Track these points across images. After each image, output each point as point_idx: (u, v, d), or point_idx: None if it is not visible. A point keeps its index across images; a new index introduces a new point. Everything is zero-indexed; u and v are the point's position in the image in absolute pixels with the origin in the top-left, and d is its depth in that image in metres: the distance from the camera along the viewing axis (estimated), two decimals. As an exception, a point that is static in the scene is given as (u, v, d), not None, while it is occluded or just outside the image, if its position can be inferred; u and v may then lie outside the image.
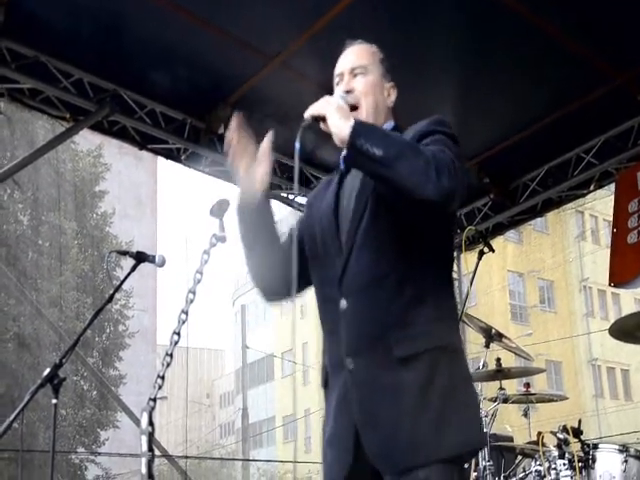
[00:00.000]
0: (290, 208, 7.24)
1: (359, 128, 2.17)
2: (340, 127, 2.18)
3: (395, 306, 2.26)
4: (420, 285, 2.29)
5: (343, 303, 2.32)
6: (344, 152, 2.37)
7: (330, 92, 2.52)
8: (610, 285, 6.45)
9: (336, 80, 2.54)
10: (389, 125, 2.51)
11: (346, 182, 2.48)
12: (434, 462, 2.16)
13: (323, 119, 2.25)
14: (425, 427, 2.17)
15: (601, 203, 28.20)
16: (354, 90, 2.46)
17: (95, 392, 22.55)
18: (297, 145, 2.30)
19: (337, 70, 2.54)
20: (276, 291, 2.60)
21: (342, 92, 2.45)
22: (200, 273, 2.22)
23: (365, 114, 2.43)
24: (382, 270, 2.29)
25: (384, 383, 2.22)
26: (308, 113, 2.29)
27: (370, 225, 2.32)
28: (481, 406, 4.56)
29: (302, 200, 6.99)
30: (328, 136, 2.26)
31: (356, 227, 2.34)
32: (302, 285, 2.50)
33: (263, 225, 2.54)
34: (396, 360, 2.22)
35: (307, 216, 2.62)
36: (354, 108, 2.43)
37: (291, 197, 7.01)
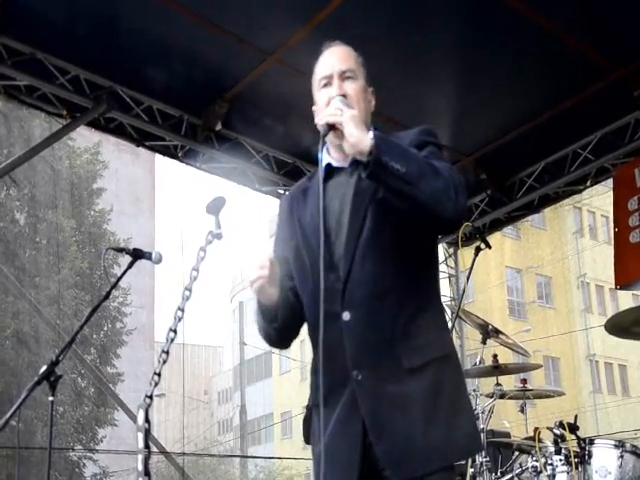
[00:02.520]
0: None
1: (381, 142, 2.14)
2: (359, 138, 2.14)
3: (400, 317, 2.27)
4: (420, 296, 2.34)
5: (346, 315, 2.28)
6: (346, 163, 2.37)
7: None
8: (616, 288, 6.40)
9: (322, 82, 2.44)
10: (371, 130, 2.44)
11: (330, 191, 2.39)
12: (444, 469, 2.23)
13: (335, 127, 2.21)
14: (437, 434, 2.20)
15: (599, 199, 28.22)
16: (348, 95, 2.38)
17: (93, 389, 22.53)
18: (320, 156, 2.27)
19: (323, 71, 2.45)
20: (290, 339, 2.61)
21: (339, 97, 2.36)
22: (196, 270, 2.22)
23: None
24: (385, 283, 2.29)
25: (394, 393, 2.23)
26: (323, 120, 2.23)
27: (371, 236, 2.29)
28: (477, 404, 4.58)
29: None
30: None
31: (356, 238, 2.30)
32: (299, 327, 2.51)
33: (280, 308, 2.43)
34: (405, 371, 2.24)
35: (288, 228, 2.51)
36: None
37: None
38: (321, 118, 2.25)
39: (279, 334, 2.50)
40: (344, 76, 2.42)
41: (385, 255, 2.29)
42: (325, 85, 2.43)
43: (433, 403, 2.23)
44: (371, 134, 2.14)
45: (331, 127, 2.22)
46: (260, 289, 2.32)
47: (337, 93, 2.38)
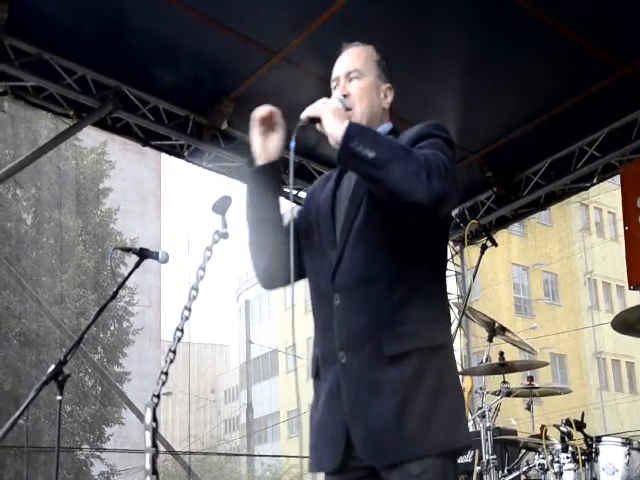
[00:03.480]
0: (291, 203, 7.23)
1: (352, 130, 2.21)
2: (334, 128, 2.23)
3: (386, 304, 2.29)
4: (411, 285, 2.32)
5: (336, 297, 2.35)
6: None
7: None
8: (630, 288, 6.33)
9: (333, 84, 2.55)
10: (386, 127, 2.53)
11: (344, 179, 2.51)
12: (426, 456, 2.19)
13: (319, 120, 2.29)
14: (411, 423, 2.19)
15: (606, 196, 28.16)
16: (350, 94, 2.47)
17: (100, 388, 22.59)
18: (292, 144, 2.33)
19: (334, 74, 2.55)
20: (274, 278, 2.62)
21: (339, 96, 2.47)
22: (202, 270, 2.23)
23: (359, 117, 2.45)
24: (374, 269, 2.32)
25: (373, 379, 2.26)
26: (304, 114, 2.32)
27: (363, 223, 2.35)
28: (483, 402, 4.58)
29: (303, 195, 7.00)
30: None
31: (350, 224, 2.37)
32: (299, 275, 2.53)
33: (269, 200, 2.58)
34: (386, 358, 2.25)
35: (305, 208, 2.66)
36: (348, 110, 2.45)
37: (294, 192, 7.01)
38: (305, 112, 2.33)
39: (261, 254, 2.56)
40: (349, 77, 2.51)
41: (375, 242, 2.34)
42: (335, 87, 2.54)
43: (411, 392, 2.22)
44: (346, 123, 2.22)
45: (314, 120, 2.31)
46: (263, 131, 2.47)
47: (341, 94, 2.48)
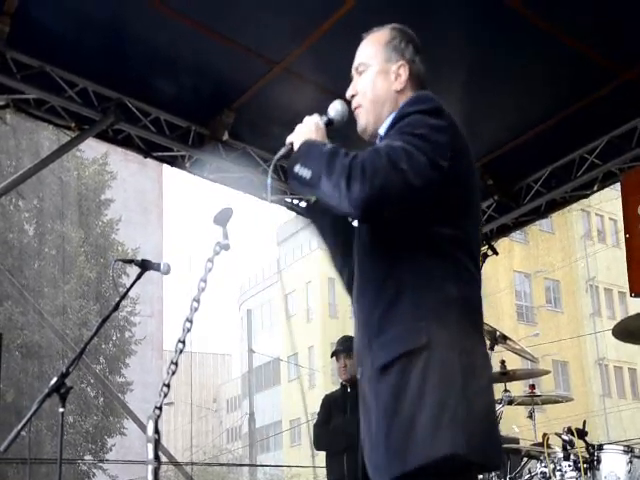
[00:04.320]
0: (294, 213, 7.28)
1: (300, 151, 2.25)
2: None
3: (375, 313, 2.25)
4: (398, 287, 2.21)
5: (353, 311, 2.40)
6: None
7: (335, 95, 2.58)
8: (631, 295, 6.28)
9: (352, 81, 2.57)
10: (406, 101, 2.42)
11: None
12: (405, 474, 2.07)
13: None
14: (396, 437, 2.10)
15: (607, 203, 28.16)
16: (356, 92, 2.49)
17: (102, 399, 22.58)
18: (268, 181, 2.54)
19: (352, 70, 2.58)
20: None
21: (348, 98, 2.50)
22: (204, 281, 2.24)
23: (366, 112, 2.46)
24: (365, 278, 2.32)
25: (371, 394, 2.22)
26: (287, 140, 2.38)
27: (360, 232, 2.37)
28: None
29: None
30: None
31: (358, 236, 2.39)
32: None
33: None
34: (376, 370, 2.19)
35: None
36: (357, 109, 2.49)
37: (295, 202, 7.04)
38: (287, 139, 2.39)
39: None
40: (358, 71, 2.53)
41: (365, 250, 2.34)
42: None
43: (395, 403, 2.11)
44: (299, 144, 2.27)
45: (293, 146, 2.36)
46: None
47: (349, 94, 2.50)
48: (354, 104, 2.49)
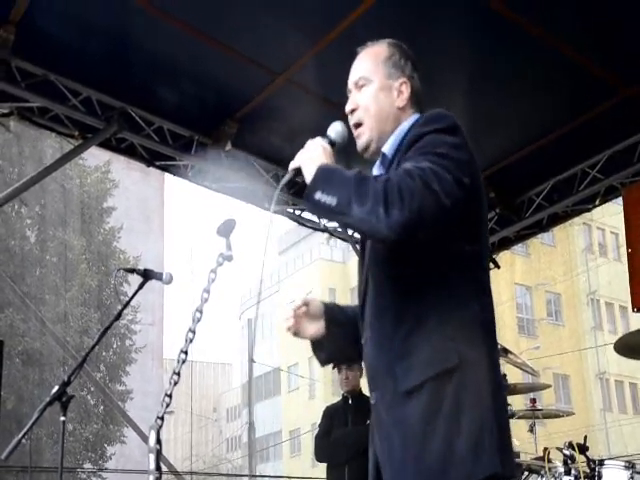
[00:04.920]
0: (295, 224, 7.29)
1: (317, 178, 2.16)
2: (309, 178, 2.20)
3: (397, 336, 2.20)
4: (421, 308, 2.19)
5: (363, 338, 2.35)
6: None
7: (337, 106, 2.53)
8: (634, 311, 6.25)
9: (348, 95, 2.49)
10: (405, 125, 2.40)
11: None
12: None
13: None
14: (431, 460, 2.07)
15: (609, 217, 28.14)
16: (357, 107, 2.42)
17: (102, 407, 22.54)
18: (272, 209, 2.38)
19: (348, 84, 2.49)
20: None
21: (348, 112, 2.44)
22: (207, 292, 2.24)
23: (369, 129, 2.39)
24: (384, 303, 2.26)
25: (394, 418, 2.17)
26: (290, 166, 2.30)
27: (372, 259, 2.32)
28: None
29: (309, 215, 7.03)
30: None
31: (367, 262, 2.35)
32: None
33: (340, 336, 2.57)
34: (401, 394, 2.15)
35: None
36: (358, 125, 2.42)
37: (297, 213, 7.05)
38: (290, 164, 2.30)
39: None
40: (358, 85, 2.46)
41: (381, 276, 2.29)
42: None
43: (428, 426, 2.09)
44: (314, 171, 2.17)
45: (299, 171, 2.28)
46: (297, 334, 2.53)
47: (349, 109, 2.44)
48: (354, 119, 2.42)
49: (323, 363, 2.65)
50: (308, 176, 2.20)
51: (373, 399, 2.27)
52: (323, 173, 2.18)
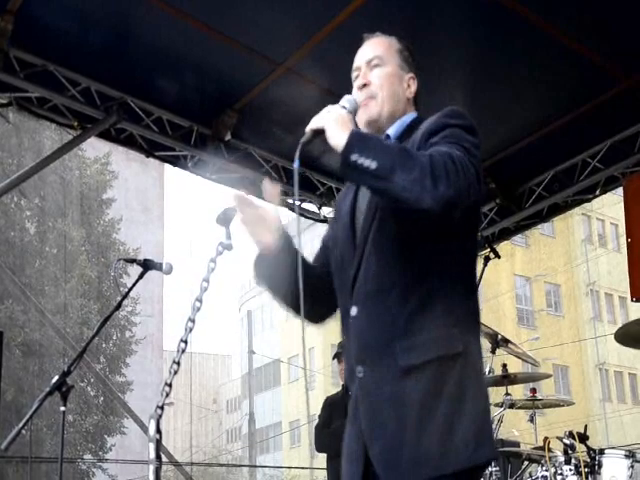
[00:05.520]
0: (294, 214, 7.27)
1: (354, 140, 2.12)
2: (337, 139, 2.14)
3: (401, 314, 2.21)
4: (428, 292, 2.23)
5: (353, 310, 2.31)
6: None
7: (338, 96, 2.49)
8: (632, 300, 6.26)
9: (354, 74, 2.49)
10: (409, 116, 2.46)
11: (361, 190, 2.44)
12: (440, 477, 2.10)
13: (323, 132, 2.20)
14: (430, 440, 2.10)
15: (609, 208, 28.16)
16: (370, 83, 2.42)
17: (102, 398, 22.59)
18: (296, 165, 2.25)
19: (355, 64, 2.50)
20: (319, 314, 2.62)
21: (356, 89, 2.42)
22: (207, 281, 2.23)
23: (380, 104, 2.40)
24: (389, 279, 2.25)
25: (389, 393, 2.18)
26: (308, 127, 2.24)
27: (377, 234, 2.29)
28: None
29: (309, 206, 7.02)
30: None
31: (366, 236, 2.32)
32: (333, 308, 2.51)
33: (287, 267, 2.43)
34: (401, 370, 2.17)
35: (332, 224, 2.60)
36: (371, 98, 2.41)
37: (297, 203, 7.03)
38: (309, 125, 2.25)
39: (294, 300, 2.39)
40: (371, 64, 2.46)
41: (388, 252, 2.27)
42: (356, 77, 2.48)
43: (430, 406, 2.12)
44: (347, 132, 2.13)
45: (318, 132, 2.22)
46: (250, 230, 2.41)
47: (361, 83, 2.43)
48: (366, 94, 2.41)
49: (258, 280, 2.54)
50: (333, 137, 2.16)
51: (360, 373, 2.25)
52: (359, 136, 2.16)
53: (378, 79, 2.43)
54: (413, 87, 2.50)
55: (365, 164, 2.07)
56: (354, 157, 2.08)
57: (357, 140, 2.13)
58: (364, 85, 2.42)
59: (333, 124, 2.19)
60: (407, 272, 2.25)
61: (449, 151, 2.14)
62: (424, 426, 2.12)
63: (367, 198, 2.36)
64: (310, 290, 2.30)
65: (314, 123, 2.24)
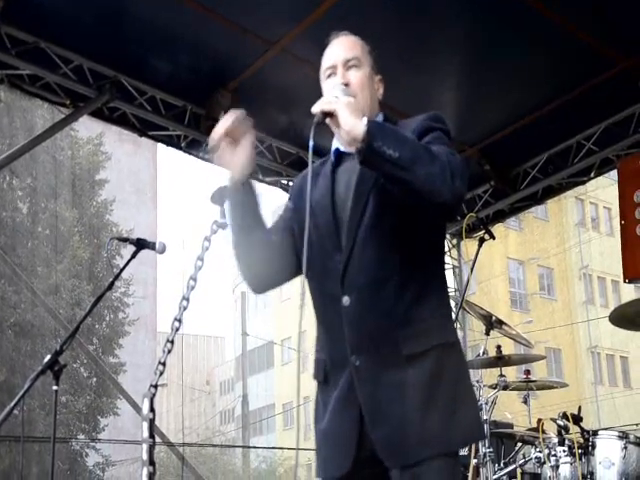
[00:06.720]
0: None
1: (374, 128, 2.10)
2: (352, 125, 2.11)
3: (400, 303, 2.26)
4: (423, 283, 2.31)
5: (345, 300, 2.29)
6: (352, 149, 2.20)
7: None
8: (625, 281, 6.32)
9: (327, 72, 2.44)
10: (380, 117, 2.46)
11: (339, 175, 2.42)
12: (444, 455, 2.22)
13: (331, 115, 2.16)
14: (434, 421, 2.19)
15: (602, 191, 28.19)
16: (351, 83, 2.38)
17: (94, 379, 22.59)
18: (311, 143, 2.21)
19: (328, 62, 2.44)
20: (264, 281, 2.57)
21: (341, 85, 2.36)
22: (201, 260, 2.21)
23: (362, 104, 2.35)
24: (386, 268, 2.27)
25: (392, 380, 2.23)
26: (318, 108, 2.19)
27: (372, 222, 2.28)
28: (480, 396, 4.58)
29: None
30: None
31: (357, 223, 2.30)
32: (288, 276, 2.52)
33: (249, 209, 2.45)
34: (404, 357, 2.23)
35: (295, 206, 2.54)
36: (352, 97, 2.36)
37: (291, 184, 7.00)
38: (317, 106, 2.20)
39: (248, 261, 2.47)
40: (348, 65, 2.41)
41: (386, 241, 2.28)
42: (330, 75, 2.43)
43: (432, 390, 2.21)
44: (365, 120, 2.10)
45: (327, 115, 2.18)
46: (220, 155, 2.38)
47: (341, 82, 2.37)
48: (349, 94, 2.34)
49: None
50: (347, 123, 2.12)
51: (357, 361, 2.26)
52: (379, 125, 2.21)
53: (358, 80, 2.40)
54: (381, 89, 2.52)
55: (388, 152, 2.08)
56: (377, 144, 2.08)
57: (377, 129, 2.13)
58: (346, 85, 2.38)
59: (346, 110, 2.15)
60: (405, 262, 2.29)
61: (451, 150, 2.23)
62: (427, 409, 2.20)
63: (353, 185, 2.34)
64: (267, 258, 2.43)
65: (324, 105, 2.19)
